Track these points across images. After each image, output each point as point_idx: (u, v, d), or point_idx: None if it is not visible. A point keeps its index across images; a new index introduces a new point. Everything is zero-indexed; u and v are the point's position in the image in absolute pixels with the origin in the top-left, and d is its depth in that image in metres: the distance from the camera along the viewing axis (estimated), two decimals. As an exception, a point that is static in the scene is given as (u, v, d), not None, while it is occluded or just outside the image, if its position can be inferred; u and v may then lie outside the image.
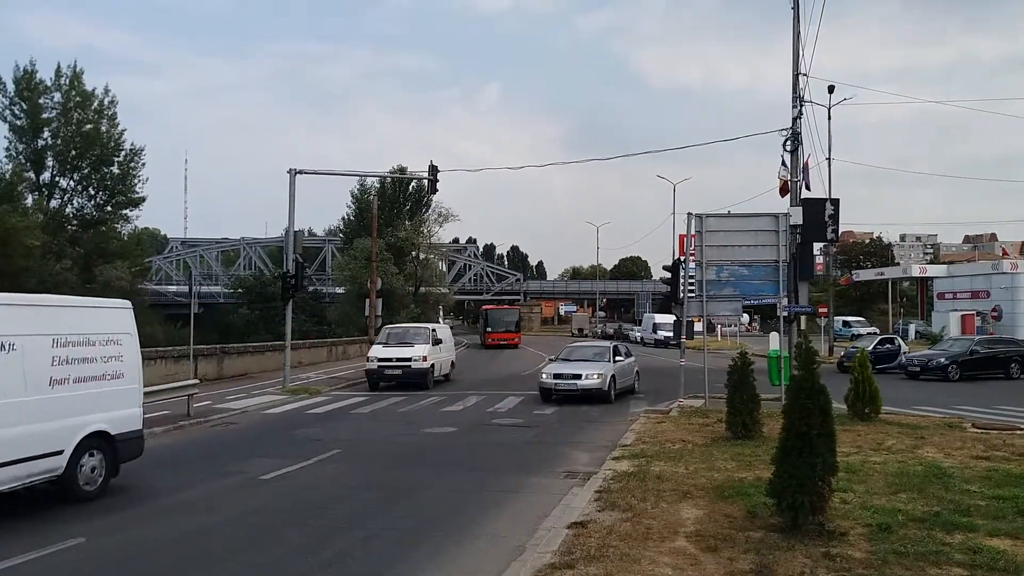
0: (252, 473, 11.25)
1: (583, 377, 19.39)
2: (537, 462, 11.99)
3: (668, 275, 21.67)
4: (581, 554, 6.63)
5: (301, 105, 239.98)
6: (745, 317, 56.07)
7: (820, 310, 41.74)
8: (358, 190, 66.12)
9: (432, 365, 24.35)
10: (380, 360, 23.82)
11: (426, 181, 29.47)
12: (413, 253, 61.51)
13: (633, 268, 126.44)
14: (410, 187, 65.93)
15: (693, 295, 18.22)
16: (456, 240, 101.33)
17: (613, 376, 19.90)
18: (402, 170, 54.19)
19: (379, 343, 25.26)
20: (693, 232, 18.00)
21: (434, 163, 27.99)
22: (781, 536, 6.95)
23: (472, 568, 6.84)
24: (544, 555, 6.70)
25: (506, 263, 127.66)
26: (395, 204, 65.80)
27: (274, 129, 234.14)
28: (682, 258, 20.47)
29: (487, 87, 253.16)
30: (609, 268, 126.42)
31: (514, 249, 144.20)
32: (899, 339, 33.68)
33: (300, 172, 26.21)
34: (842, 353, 32.35)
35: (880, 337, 33.76)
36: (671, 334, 47.64)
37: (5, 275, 32.02)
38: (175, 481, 10.91)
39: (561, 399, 19.70)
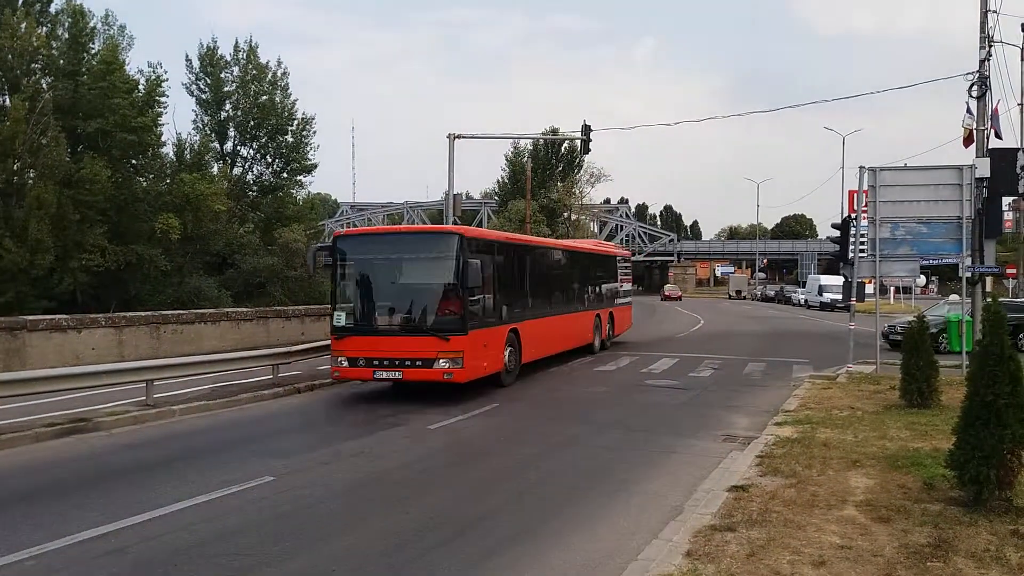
0: (418, 423, 11.86)
1: None
2: (693, 424, 11.85)
3: (837, 233, 20.50)
4: (742, 518, 6.54)
5: (458, 72, 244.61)
6: (921, 279, 51.42)
7: (1008, 271, 38.14)
8: (512, 153, 67.07)
9: None
10: None
11: (578, 142, 29.42)
12: (565, 214, 61.76)
13: (796, 227, 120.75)
14: (562, 148, 66.03)
15: (864, 255, 17.16)
16: (607, 200, 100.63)
17: None
18: (555, 131, 54.24)
19: None
20: (865, 187, 16.86)
21: (587, 123, 27.87)
22: (962, 510, 6.53)
23: (628, 525, 6.91)
24: (703, 516, 6.66)
25: (659, 223, 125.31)
26: (547, 166, 66.21)
27: (433, 96, 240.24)
28: (852, 215, 19.31)
29: (640, 43, 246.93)
30: (770, 227, 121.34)
31: (667, 209, 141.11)
32: None
33: (459, 137, 26.90)
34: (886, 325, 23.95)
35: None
36: (839, 296, 45.28)
37: (198, 238, 35.08)
38: (349, 429, 11.70)
39: None
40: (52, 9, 36.36)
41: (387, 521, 7.07)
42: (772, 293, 74.91)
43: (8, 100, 31.45)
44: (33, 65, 33.46)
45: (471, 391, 14.32)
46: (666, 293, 74.46)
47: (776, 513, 6.65)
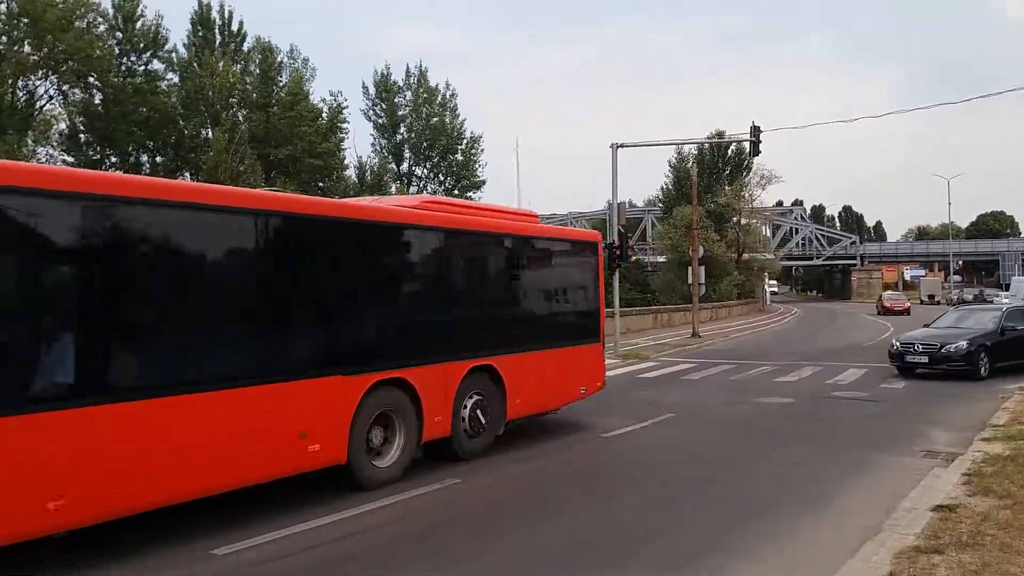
0: (595, 431, 11.86)
1: None
2: (887, 439, 11.05)
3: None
4: (950, 539, 6.03)
5: (621, 81, 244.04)
6: None
7: None
8: (676, 159, 65.81)
9: None
10: None
11: (746, 144, 28.45)
12: (734, 219, 59.85)
13: (995, 225, 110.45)
14: (728, 151, 64.07)
15: (1084, 252, 15.38)
16: (780, 203, 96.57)
17: None
18: (720, 135, 52.86)
19: None
20: (1083, 178, 15.17)
21: (755, 124, 26.93)
22: None
23: (822, 543, 6.55)
24: (906, 537, 6.21)
25: (838, 225, 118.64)
26: (713, 170, 64.47)
27: (596, 107, 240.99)
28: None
29: (811, 37, 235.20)
30: (964, 226, 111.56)
31: (846, 209, 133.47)
32: None
33: (622, 146, 26.82)
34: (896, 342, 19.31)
35: None
36: (1050, 300, 40.78)
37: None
38: (526, 434, 11.83)
39: None
40: (245, 47, 40.02)
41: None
42: (970, 297, 68.61)
43: (211, 132, 34.95)
44: (230, 99, 36.97)
45: (646, 405, 14.07)
46: (886, 304, 55.98)
47: (990, 536, 6.08)
